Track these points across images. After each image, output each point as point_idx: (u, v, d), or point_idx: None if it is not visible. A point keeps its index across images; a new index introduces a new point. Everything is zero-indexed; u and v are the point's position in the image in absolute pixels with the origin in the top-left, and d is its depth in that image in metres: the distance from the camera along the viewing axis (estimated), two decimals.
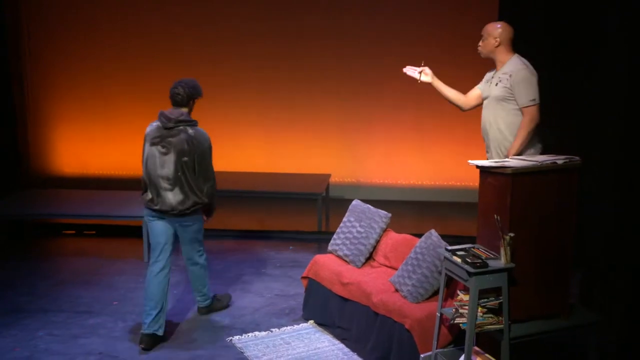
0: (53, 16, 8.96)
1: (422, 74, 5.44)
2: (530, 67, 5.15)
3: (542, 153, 5.22)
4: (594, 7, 6.21)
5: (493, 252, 4.32)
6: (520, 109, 5.09)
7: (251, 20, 8.73)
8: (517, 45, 6.94)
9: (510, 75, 5.09)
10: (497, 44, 5.17)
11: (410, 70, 5.47)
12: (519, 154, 5.05)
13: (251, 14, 8.74)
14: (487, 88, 5.29)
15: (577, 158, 4.43)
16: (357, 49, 8.62)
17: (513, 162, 4.42)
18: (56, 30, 8.98)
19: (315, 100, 8.83)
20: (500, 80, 5.15)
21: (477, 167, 4.58)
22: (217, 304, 5.92)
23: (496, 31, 5.17)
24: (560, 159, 4.40)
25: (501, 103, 5.15)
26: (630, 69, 5.67)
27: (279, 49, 8.73)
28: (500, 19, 7.22)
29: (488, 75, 5.38)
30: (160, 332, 5.34)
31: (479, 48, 5.27)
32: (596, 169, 5.93)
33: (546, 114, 6.84)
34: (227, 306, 5.96)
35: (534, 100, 5.04)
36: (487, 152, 5.39)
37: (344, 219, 5.78)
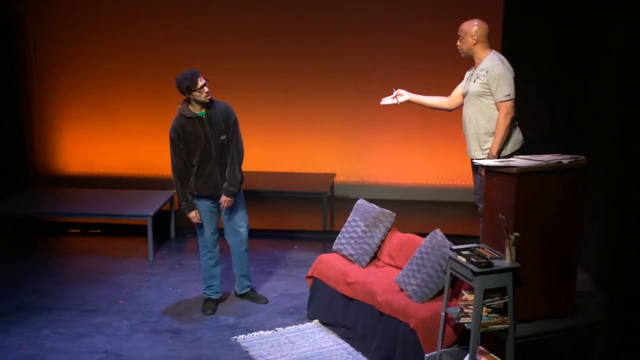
0: (58, 15, 8.97)
1: (398, 96, 5.65)
2: (507, 63, 5.33)
3: (523, 147, 5.39)
4: (597, 6, 6.20)
5: (498, 252, 4.32)
6: (496, 104, 5.25)
7: (256, 20, 8.73)
8: (521, 43, 6.98)
9: (486, 72, 5.26)
10: (474, 41, 5.33)
11: (387, 100, 5.68)
12: (501, 149, 5.25)
13: (256, 13, 8.73)
14: (467, 85, 5.47)
15: (583, 157, 4.43)
16: (361, 48, 8.61)
17: (518, 161, 4.42)
18: (61, 30, 8.98)
19: (320, 100, 8.81)
20: (478, 77, 5.33)
21: (483, 166, 4.59)
22: (204, 305, 5.95)
23: (473, 29, 5.32)
24: (565, 159, 4.39)
25: (479, 99, 5.32)
26: (635, 67, 5.65)
27: (283, 48, 8.72)
28: (504, 17, 7.28)
29: (468, 73, 5.55)
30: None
31: (458, 47, 5.43)
32: (602, 167, 5.91)
33: (550, 112, 6.86)
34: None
35: (508, 95, 5.22)
36: (468, 147, 5.52)
37: (349, 218, 5.78)
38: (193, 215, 5.71)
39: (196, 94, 5.44)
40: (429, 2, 8.43)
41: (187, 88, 5.41)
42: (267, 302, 6.04)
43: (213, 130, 5.55)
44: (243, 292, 6.09)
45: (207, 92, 5.46)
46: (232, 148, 5.66)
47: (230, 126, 5.63)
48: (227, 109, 5.64)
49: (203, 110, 5.54)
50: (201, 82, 5.42)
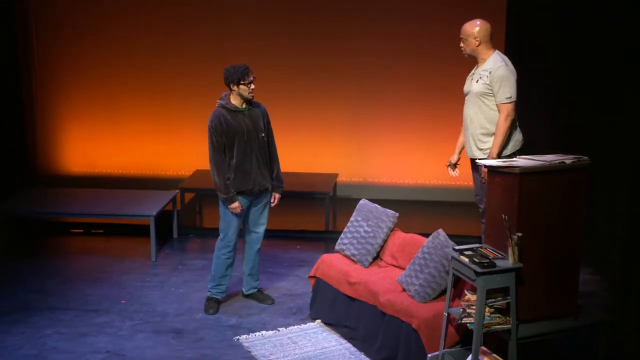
0: (61, 15, 8.97)
1: (456, 168, 5.74)
2: (510, 64, 5.32)
3: (526, 148, 5.40)
4: (598, 5, 6.20)
5: (501, 252, 4.31)
6: (497, 106, 5.25)
7: (259, 20, 8.72)
8: (526, 43, 6.97)
9: (489, 72, 5.26)
10: (477, 43, 5.32)
11: (453, 173, 5.76)
12: (501, 151, 5.26)
13: (259, 13, 8.73)
14: (469, 84, 5.46)
15: (586, 158, 4.42)
16: (365, 49, 8.60)
17: (521, 161, 4.41)
18: (64, 29, 8.98)
19: (323, 100, 8.81)
20: (480, 77, 5.32)
21: (486, 166, 4.58)
22: (207, 304, 5.94)
23: (475, 30, 5.31)
24: (568, 159, 4.38)
25: (481, 99, 5.32)
26: (638, 66, 5.64)
27: (286, 48, 8.72)
28: (508, 16, 7.27)
29: (470, 73, 5.53)
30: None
31: (462, 49, 5.42)
32: (606, 168, 5.91)
33: (553, 112, 6.85)
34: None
35: (509, 97, 5.22)
36: (468, 146, 5.52)
37: (351, 219, 5.78)
38: (236, 205, 5.66)
39: (243, 87, 5.56)
40: (432, 3, 8.42)
41: (237, 80, 5.53)
42: (273, 303, 6.04)
43: (254, 126, 5.67)
44: (250, 292, 6.09)
45: (252, 89, 5.60)
46: (271, 147, 5.85)
47: (267, 125, 5.80)
48: (264, 109, 5.81)
49: (245, 105, 5.65)
50: (251, 77, 5.56)
